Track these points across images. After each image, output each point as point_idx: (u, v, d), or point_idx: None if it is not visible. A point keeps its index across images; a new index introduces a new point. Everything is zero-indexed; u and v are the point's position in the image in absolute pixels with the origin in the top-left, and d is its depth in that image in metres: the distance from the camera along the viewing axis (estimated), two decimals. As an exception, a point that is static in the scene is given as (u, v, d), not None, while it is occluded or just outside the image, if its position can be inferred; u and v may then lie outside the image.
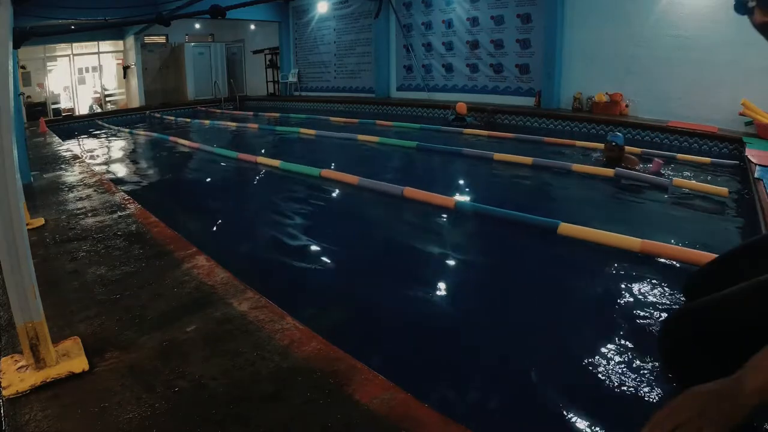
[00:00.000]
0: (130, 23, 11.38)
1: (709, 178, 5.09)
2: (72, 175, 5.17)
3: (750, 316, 0.93)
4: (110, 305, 2.16)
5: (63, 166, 5.77)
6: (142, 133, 10.20)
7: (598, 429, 1.67)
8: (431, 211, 4.15)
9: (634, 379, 1.91)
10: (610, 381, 1.92)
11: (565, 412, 1.75)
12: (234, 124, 11.02)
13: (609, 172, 4.98)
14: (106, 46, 16.03)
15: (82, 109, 15.62)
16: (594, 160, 5.62)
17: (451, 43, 11.00)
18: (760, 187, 3.93)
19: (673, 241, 3.35)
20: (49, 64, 15.16)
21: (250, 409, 1.48)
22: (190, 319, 2.00)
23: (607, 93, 8.22)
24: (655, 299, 2.58)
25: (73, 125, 12.22)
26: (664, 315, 2.43)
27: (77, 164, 5.85)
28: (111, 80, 16.64)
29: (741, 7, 0.98)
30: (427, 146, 6.88)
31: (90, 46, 15.75)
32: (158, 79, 15.96)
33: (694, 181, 4.67)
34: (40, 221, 3.44)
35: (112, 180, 5.37)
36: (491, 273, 3.14)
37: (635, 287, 2.69)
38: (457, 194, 4.80)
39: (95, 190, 4.40)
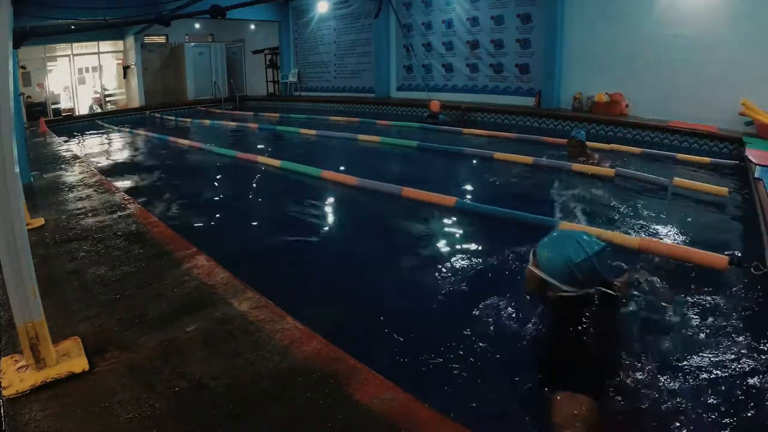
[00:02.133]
0: (130, 23, 11.34)
1: (709, 177, 5.08)
2: (72, 175, 5.17)
3: None
4: (110, 305, 2.16)
5: (63, 166, 5.76)
6: (142, 133, 10.20)
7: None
8: (431, 210, 4.15)
9: (632, 376, 1.91)
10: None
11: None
12: (234, 124, 11.01)
13: (609, 172, 4.97)
14: (106, 46, 16.01)
15: (82, 109, 15.60)
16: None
17: (451, 43, 10.99)
18: (760, 187, 3.93)
19: (672, 240, 3.35)
20: (49, 64, 15.15)
21: (250, 409, 1.48)
22: (190, 319, 2.00)
23: (607, 93, 8.22)
24: (651, 297, 2.58)
25: (73, 125, 12.22)
26: (661, 313, 2.44)
27: (77, 164, 5.84)
28: (111, 80, 16.63)
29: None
30: (428, 146, 6.88)
31: (90, 46, 15.74)
32: (158, 79, 15.95)
33: (694, 181, 4.67)
34: (40, 221, 3.43)
35: (112, 180, 5.37)
36: (490, 272, 3.13)
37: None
38: (457, 193, 4.80)
39: (95, 190, 4.40)
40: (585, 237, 1.53)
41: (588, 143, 5.78)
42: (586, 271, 1.47)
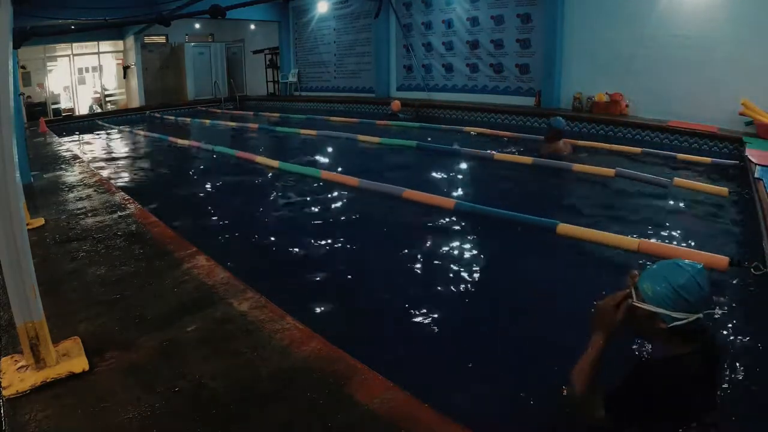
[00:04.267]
0: (130, 23, 11.36)
1: (709, 177, 5.08)
2: (72, 175, 5.17)
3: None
4: (110, 305, 2.16)
5: (63, 166, 5.77)
6: (142, 133, 10.20)
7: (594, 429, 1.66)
8: (431, 211, 4.14)
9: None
10: (607, 380, 1.91)
11: (560, 411, 1.75)
12: (234, 123, 11.01)
13: (609, 172, 4.97)
14: (106, 46, 16.02)
15: (82, 109, 15.60)
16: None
17: (451, 43, 10.99)
18: (760, 187, 3.92)
19: (671, 241, 3.35)
20: (49, 64, 15.15)
21: (250, 409, 1.48)
22: (190, 319, 2.00)
23: (607, 93, 8.22)
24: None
25: (73, 125, 12.21)
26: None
27: (77, 164, 5.84)
28: (111, 80, 16.64)
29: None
30: (427, 146, 6.87)
31: (90, 46, 15.74)
32: (158, 79, 15.95)
33: (694, 181, 4.67)
34: (40, 221, 3.43)
35: (112, 180, 5.37)
36: (490, 273, 3.13)
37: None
38: (457, 195, 4.80)
39: (95, 190, 4.40)
40: (683, 262, 1.48)
41: (582, 142, 5.87)
42: (694, 292, 1.41)
